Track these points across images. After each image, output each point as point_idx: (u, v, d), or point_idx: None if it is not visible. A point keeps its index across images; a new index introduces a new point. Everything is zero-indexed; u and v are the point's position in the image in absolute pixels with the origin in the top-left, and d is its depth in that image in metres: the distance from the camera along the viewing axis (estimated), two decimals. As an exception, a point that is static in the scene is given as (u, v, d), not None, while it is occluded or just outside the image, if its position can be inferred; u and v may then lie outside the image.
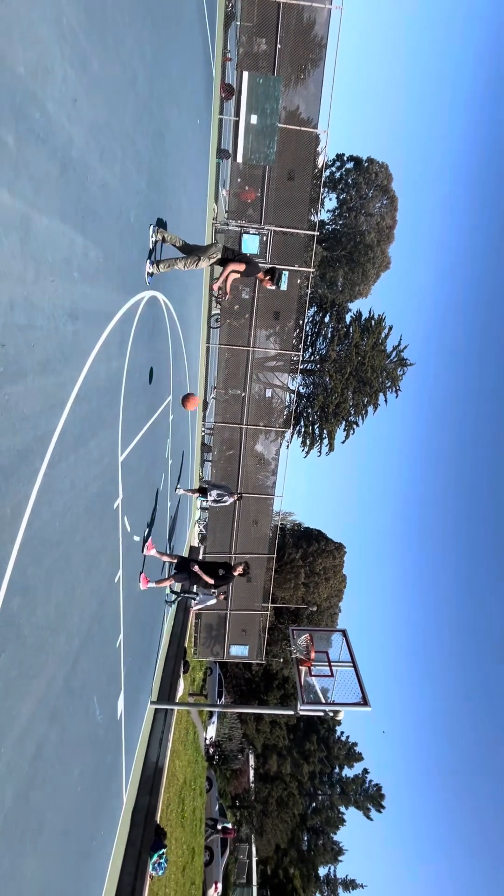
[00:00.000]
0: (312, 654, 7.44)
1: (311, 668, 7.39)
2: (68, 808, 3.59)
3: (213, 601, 8.96)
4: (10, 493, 2.33)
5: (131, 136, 4.21)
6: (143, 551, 6.20)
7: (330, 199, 40.49)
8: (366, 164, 40.10)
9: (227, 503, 8.14)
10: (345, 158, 41.08)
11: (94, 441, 3.68)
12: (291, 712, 7.50)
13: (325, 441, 34.05)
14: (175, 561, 7.36)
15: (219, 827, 17.69)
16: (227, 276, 5.38)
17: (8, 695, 2.46)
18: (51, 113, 2.50)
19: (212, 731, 21.55)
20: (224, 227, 13.96)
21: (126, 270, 4.32)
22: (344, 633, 8.44)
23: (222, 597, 8.85)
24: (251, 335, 15.13)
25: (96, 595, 4.07)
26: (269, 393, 18.47)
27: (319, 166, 16.97)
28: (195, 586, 7.70)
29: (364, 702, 7.14)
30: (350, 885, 40.56)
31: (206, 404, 16.36)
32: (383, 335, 32.00)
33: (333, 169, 40.47)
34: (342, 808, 39.58)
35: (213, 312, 15.08)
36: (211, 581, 7.18)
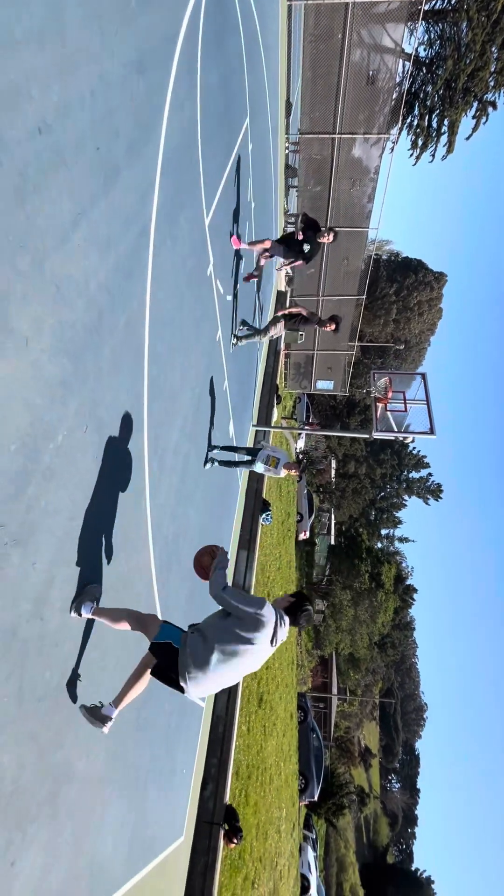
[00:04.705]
0: (390, 394, 8.40)
1: (388, 405, 8.47)
2: (209, 478, 5.50)
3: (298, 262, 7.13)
4: (133, 290, 2.84)
5: None
6: (233, 245, 5.99)
7: None
8: None
9: (279, 475, 6.13)
10: None
11: (183, 215, 3.76)
12: (367, 436, 9.10)
13: (444, 138, 26.20)
14: (267, 247, 6.56)
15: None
16: None
17: (162, 425, 3.64)
18: None
19: (301, 444, 26.49)
20: None
21: None
22: (423, 375, 9.09)
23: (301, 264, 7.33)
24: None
25: (205, 355, 4.94)
26: (374, 63, 13.64)
27: None
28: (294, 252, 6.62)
29: (431, 431, 8.36)
30: (404, 539, 55.09)
31: (289, 106, 13.08)
32: None
33: None
34: (405, 497, 49.99)
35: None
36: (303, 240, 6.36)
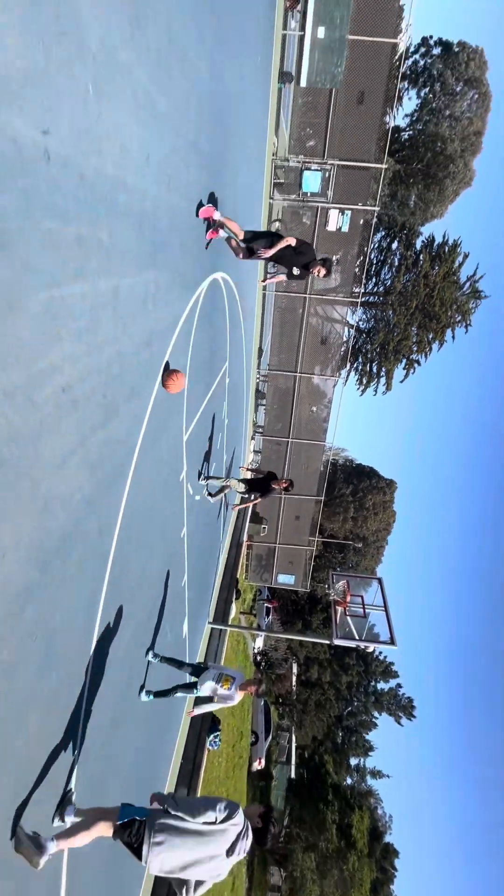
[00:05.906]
0: (348, 598, 8.42)
1: (347, 608, 8.40)
2: (159, 708, 4.89)
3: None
4: (112, 500, 3.17)
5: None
6: (200, 215, 4.71)
7: (410, 98, 35.40)
8: (456, 50, 34.17)
9: (232, 703, 4.59)
10: (431, 43, 35.19)
11: (165, 437, 4.43)
12: (327, 641, 8.69)
13: (383, 380, 33.17)
14: (241, 238, 5.25)
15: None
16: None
17: (111, 633, 3.50)
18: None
19: (259, 643, 24.40)
20: (283, 163, 13.22)
21: (187, 271, 4.75)
22: (380, 580, 9.31)
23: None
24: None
25: (168, 551, 5.08)
26: (326, 328, 18.23)
27: (400, 52, 14.90)
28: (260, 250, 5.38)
29: (392, 641, 8.12)
30: (377, 774, 46.12)
31: (260, 351, 16.62)
32: (457, 264, 29.29)
33: (417, 57, 34.92)
34: (375, 714, 44.02)
35: (269, 270, 14.75)
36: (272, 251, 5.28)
